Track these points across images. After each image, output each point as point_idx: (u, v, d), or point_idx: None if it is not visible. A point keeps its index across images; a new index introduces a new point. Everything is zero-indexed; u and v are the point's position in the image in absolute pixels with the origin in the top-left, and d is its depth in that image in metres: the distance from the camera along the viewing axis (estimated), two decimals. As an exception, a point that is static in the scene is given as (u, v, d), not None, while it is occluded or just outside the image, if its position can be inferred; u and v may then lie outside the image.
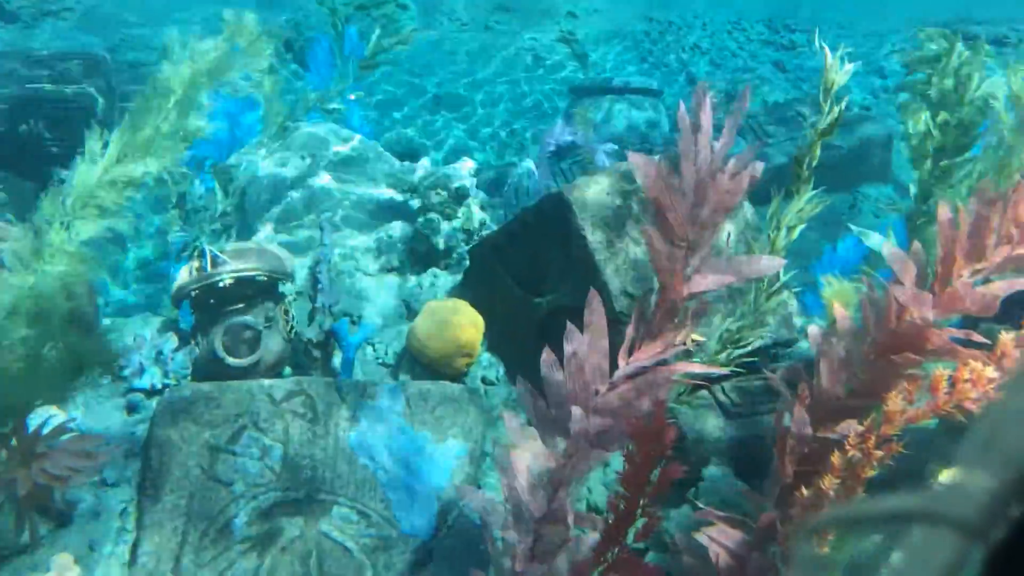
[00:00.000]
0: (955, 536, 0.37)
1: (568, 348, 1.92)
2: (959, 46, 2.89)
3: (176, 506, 2.61)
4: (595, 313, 1.96)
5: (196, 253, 3.14)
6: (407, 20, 11.85)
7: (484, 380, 3.23)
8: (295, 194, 3.91)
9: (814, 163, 1.86)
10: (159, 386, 3.12)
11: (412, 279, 3.58)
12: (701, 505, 2.18)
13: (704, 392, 2.77)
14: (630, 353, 1.96)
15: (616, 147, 5.89)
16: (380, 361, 3.33)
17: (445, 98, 9.63)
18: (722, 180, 1.79)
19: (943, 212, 2.05)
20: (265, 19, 3.09)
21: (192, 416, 2.78)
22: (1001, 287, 2.02)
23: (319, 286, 3.14)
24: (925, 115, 2.66)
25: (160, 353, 3.10)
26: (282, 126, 4.20)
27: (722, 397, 2.75)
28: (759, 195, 1.98)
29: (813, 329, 2.13)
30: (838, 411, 2.10)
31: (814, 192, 1.87)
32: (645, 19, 11.60)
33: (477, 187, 3.73)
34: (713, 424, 2.72)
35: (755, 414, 2.76)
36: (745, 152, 1.82)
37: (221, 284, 3.02)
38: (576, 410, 1.88)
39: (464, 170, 3.76)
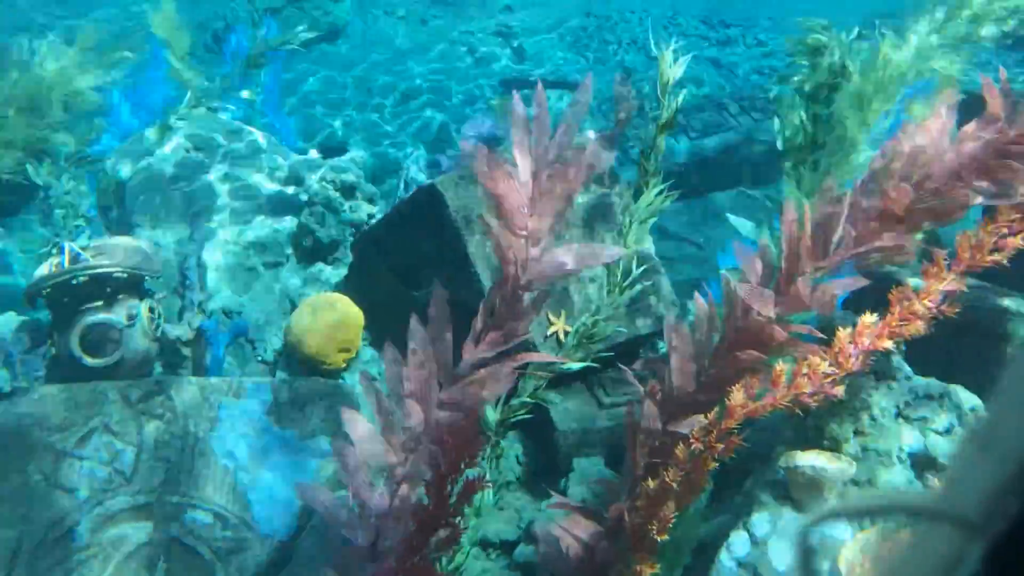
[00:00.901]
0: (955, 532, 0.36)
1: (410, 342, 1.86)
2: (839, 38, 2.91)
3: (12, 516, 2.42)
4: (438, 305, 1.91)
5: (55, 250, 2.95)
6: (341, 13, 11.63)
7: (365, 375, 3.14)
8: (178, 188, 3.72)
9: (659, 157, 1.87)
10: (7, 389, 2.90)
11: (297, 274, 3.46)
12: (555, 496, 2.16)
13: (579, 383, 2.77)
14: (477, 345, 1.92)
15: None
16: (260, 359, 3.20)
17: (377, 91, 9.46)
18: (563, 170, 1.76)
19: (788, 210, 2.09)
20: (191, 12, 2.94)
21: (37, 420, 2.59)
22: (841, 285, 2.08)
23: (187, 282, 2.99)
24: (799, 108, 2.69)
25: (8, 355, 2.89)
26: (167, 121, 4.00)
27: (597, 388, 2.76)
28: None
29: (668, 323, 2.13)
30: (689, 405, 2.11)
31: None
32: (583, 14, 11.69)
33: (367, 179, 3.64)
34: (586, 414, 2.72)
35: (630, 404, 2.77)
36: (590, 143, 1.80)
37: (75, 282, 2.83)
38: (412, 405, 1.82)
39: (353, 162, 3.66)
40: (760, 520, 2.18)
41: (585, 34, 11.13)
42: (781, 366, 1.97)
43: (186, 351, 3.06)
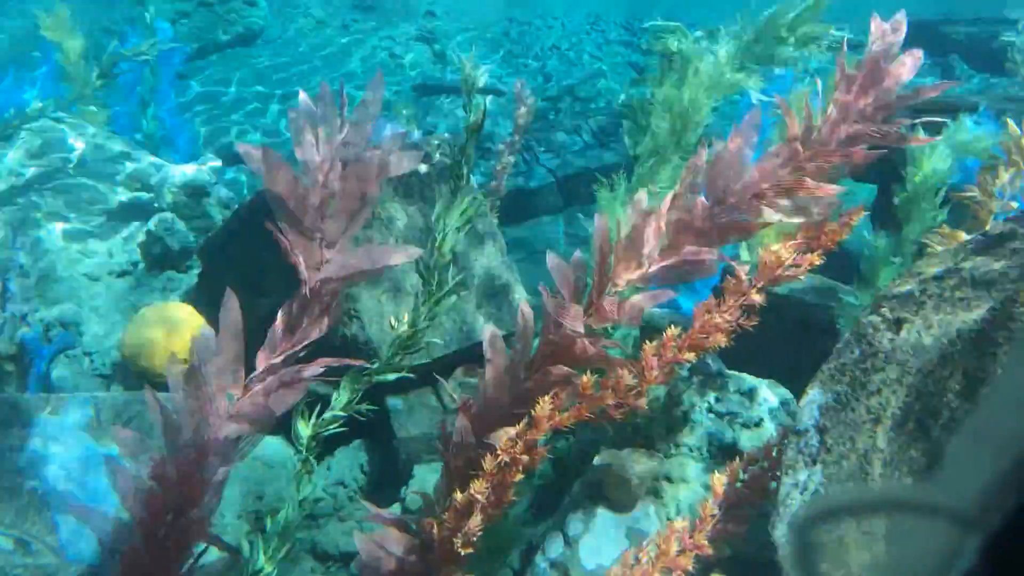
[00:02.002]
0: (951, 526, 0.36)
1: (193, 355, 1.78)
2: (687, 41, 2.94)
3: None
4: (229, 312, 1.83)
5: None
6: (256, 17, 11.32)
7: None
8: (17, 196, 3.49)
9: (471, 163, 1.88)
10: None
11: (145, 283, 3.30)
12: (371, 508, 2.10)
13: (427, 388, 2.74)
14: (273, 353, 1.85)
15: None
16: (96, 372, 3.02)
17: (293, 96, 9.25)
18: (356, 170, 1.73)
19: (599, 222, 2.12)
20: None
21: None
22: (649, 298, 2.12)
23: (7, 294, 2.79)
24: (644, 110, 2.71)
25: None
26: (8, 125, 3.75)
27: (443, 392, 2.73)
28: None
29: (484, 335, 2.12)
30: (505, 417, 2.10)
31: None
32: (505, 19, 11.77)
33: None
34: (429, 420, 2.69)
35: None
36: (386, 142, 1.78)
37: None
38: (192, 419, 1.73)
39: (205, 167, 3.54)
40: (574, 520, 2.19)
41: (508, 39, 11.23)
42: (587, 379, 1.99)
43: (9, 367, 2.85)
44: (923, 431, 1.68)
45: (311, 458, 1.95)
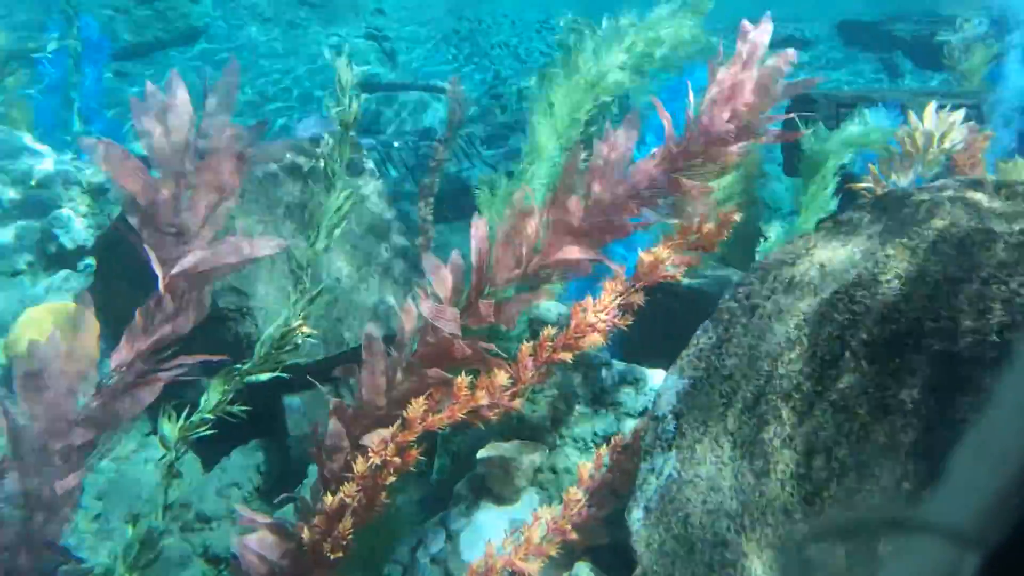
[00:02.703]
0: (949, 544, 0.35)
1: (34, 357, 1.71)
2: (592, 36, 2.93)
3: None
4: (84, 313, 1.77)
5: None
6: (199, 14, 11.06)
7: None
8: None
9: (346, 157, 1.85)
10: None
11: (40, 282, 3.18)
12: (243, 511, 2.05)
13: (328, 385, 2.69)
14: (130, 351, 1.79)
15: (372, 142, 5.85)
16: (-18, 375, 2.89)
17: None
18: (212, 162, 1.69)
19: (476, 224, 2.12)
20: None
21: None
22: (524, 300, 2.13)
23: None
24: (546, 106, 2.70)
25: None
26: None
27: (343, 389, 2.69)
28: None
29: (363, 336, 2.09)
30: (382, 419, 2.07)
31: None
32: (455, 17, 11.72)
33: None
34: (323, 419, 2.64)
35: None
36: (246, 133, 1.74)
37: None
38: (37, 424, 1.67)
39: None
40: (456, 515, 2.19)
41: (457, 37, 11.18)
42: (462, 380, 1.98)
43: None
44: (775, 413, 1.72)
45: (175, 462, 1.90)
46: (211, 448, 2.59)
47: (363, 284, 2.66)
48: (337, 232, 1.92)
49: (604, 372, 2.36)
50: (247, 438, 2.74)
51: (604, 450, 1.98)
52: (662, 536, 1.60)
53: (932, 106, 3.16)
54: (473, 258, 2.08)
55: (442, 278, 2.05)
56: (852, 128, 3.16)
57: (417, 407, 1.92)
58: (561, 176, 2.16)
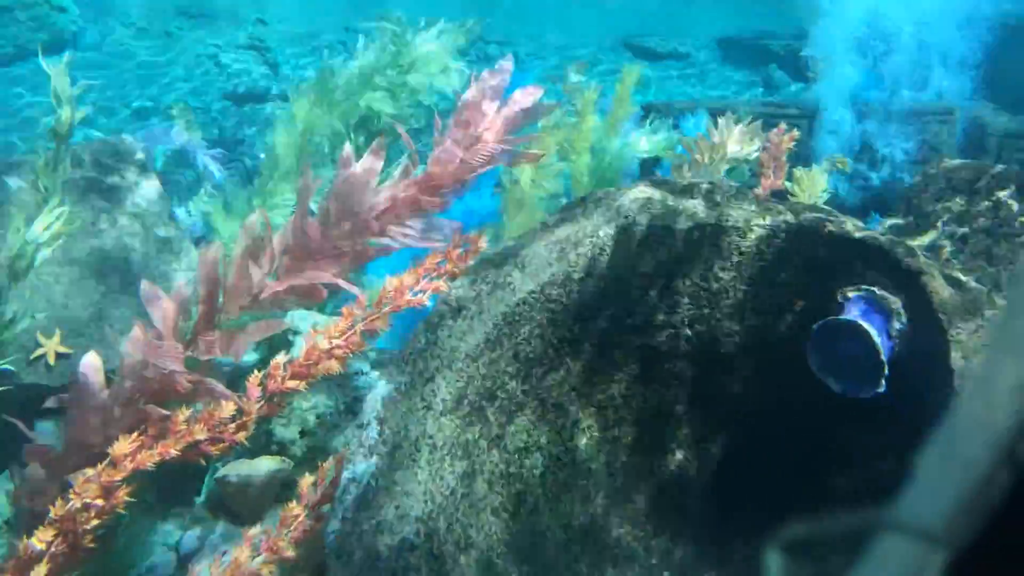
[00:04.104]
0: (917, 544, 0.37)
1: None
2: (406, 41, 2.85)
3: None
4: None
5: None
6: (66, 23, 10.41)
7: None
8: None
9: (60, 169, 1.72)
10: None
11: None
12: None
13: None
14: None
15: (224, 152, 5.61)
16: None
17: (102, 107, 8.59)
18: None
19: (205, 250, 2.03)
20: None
21: None
22: (261, 328, 2.05)
23: None
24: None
25: None
26: None
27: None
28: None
29: (83, 363, 1.95)
30: (95, 457, 1.94)
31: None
32: (341, 28, 11.49)
33: None
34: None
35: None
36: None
37: None
38: None
39: None
40: (190, 538, 2.08)
41: (345, 49, 10.97)
42: (181, 413, 1.88)
43: None
44: (479, 415, 1.70)
45: None
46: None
47: (116, 311, 2.51)
48: (45, 255, 1.78)
49: (360, 380, 2.31)
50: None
51: (330, 462, 1.92)
52: (352, 546, 1.55)
53: (725, 117, 3.30)
54: (200, 287, 1.98)
55: (162, 310, 1.94)
56: (643, 136, 3.28)
57: (123, 445, 1.81)
58: (297, 198, 2.10)
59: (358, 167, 2.11)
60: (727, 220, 1.85)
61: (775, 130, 3.70)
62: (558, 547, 1.81)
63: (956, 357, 1.56)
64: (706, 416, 1.96)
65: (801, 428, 1.85)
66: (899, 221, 2.61)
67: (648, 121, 3.73)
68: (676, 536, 1.90)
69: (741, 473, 1.92)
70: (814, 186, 3.45)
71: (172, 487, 2.24)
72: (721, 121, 3.26)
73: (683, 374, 1.96)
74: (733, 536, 1.89)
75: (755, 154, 3.45)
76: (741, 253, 1.87)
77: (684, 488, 1.94)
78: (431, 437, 1.62)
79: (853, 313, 1.69)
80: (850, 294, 1.72)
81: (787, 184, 3.54)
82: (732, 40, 11.29)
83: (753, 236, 1.85)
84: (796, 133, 3.74)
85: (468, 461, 1.68)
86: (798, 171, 3.50)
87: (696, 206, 1.87)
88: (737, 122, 3.33)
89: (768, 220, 1.85)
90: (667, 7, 11.49)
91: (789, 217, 1.84)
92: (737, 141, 3.28)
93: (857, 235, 1.78)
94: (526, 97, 2.13)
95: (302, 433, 2.19)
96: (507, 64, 2.17)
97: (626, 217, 1.82)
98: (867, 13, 5.10)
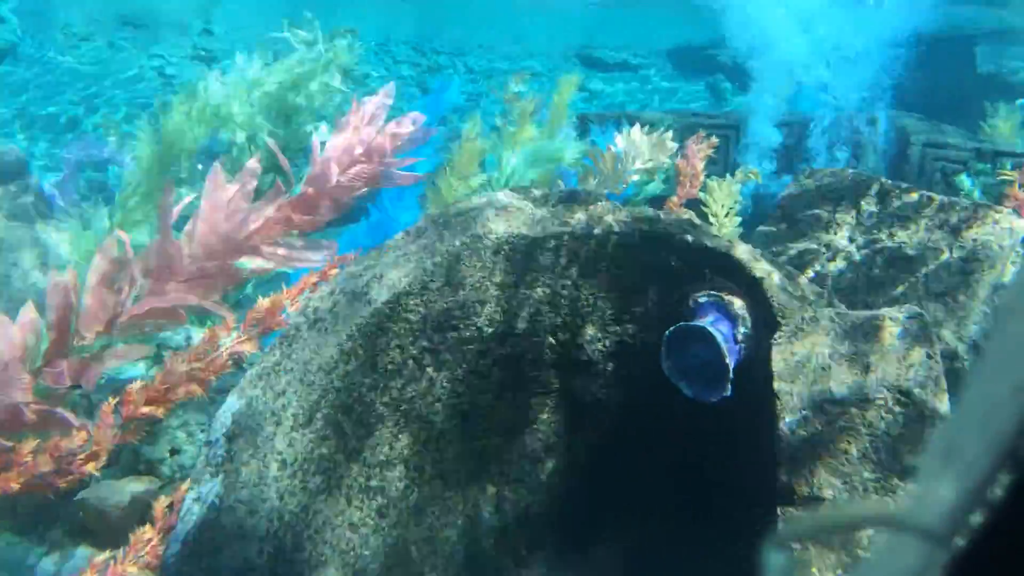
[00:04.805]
0: (919, 543, 0.37)
1: None
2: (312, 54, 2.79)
3: None
4: None
5: None
6: (3, 33, 10.11)
7: None
8: None
9: None
10: None
11: None
12: None
13: None
14: None
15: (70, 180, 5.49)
16: None
17: (39, 120, 8.37)
18: None
19: (54, 277, 1.94)
20: None
21: None
22: (118, 354, 1.97)
23: None
24: None
25: None
26: None
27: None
28: None
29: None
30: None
31: None
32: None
33: None
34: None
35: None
36: None
37: None
38: None
39: None
40: (49, 564, 1.98)
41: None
42: (27, 446, 1.79)
43: None
44: (335, 428, 1.65)
45: None
46: None
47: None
48: None
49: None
50: None
51: (188, 483, 1.84)
52: (192, 571, 1.47)
53: (633, 129, 3.30)
54: (51, 313, 1.90)
55: (9, 337, 1.85)
56: (549, 147, 3.29)
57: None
58: (158, 218, 2.03)
59: (229, 187, 2.05)
60: (584, 228, 1.83)
61: (692, 138, 3.72)
62: (423, 560, 1.77)
63: (776, 359, 1.57)
64: (571, 423, 1.94)
65: (664, 431, 1.84)
66: (772, 228, 2.63)
67: (577, 131, 3.75)
68: (541, 542, 1.87)
69: (606, 477, 1.90)
70: (727, 196, 3.47)
71: (36, 512, 2.14)
72: (630, 132, 3.27)
73: (548, 381, 1.94)
74: (597, 538, 1.87)
75: (667, 164, 3.46)
76: (598, 260, 1.86)
77: (551, 494, 1.92)
78: (280, 453, 1.57)
79: (708, 319, 1.68)
80: (700, 299, 1.72)
81: (701, 195, 3.56)
82: (682, 50, 11.44)
83: (610, 244, 1.84)
84: (715, 141, 3.77)
85: (323, 477, 1.63)
86: (711, 182, 3.53)
87: (555, 214, 1.85)
88: (649, 133, 3.34)
89: (623, 228, 1.84)
90: (619, 19, 11.62)
91: (644, 226, 1.83)
92: (647, 151, 3.29)
93: (707, 243, 1.77)
94: (403, 126, 2.12)
95: (171, 451, 2.11)
96: (389, 90, 2.17)
97: (483, 226, 1.79)
98: (793, 27, 5.19)
